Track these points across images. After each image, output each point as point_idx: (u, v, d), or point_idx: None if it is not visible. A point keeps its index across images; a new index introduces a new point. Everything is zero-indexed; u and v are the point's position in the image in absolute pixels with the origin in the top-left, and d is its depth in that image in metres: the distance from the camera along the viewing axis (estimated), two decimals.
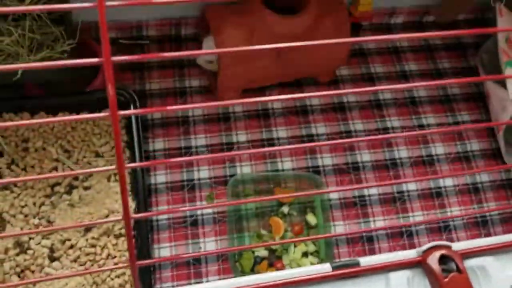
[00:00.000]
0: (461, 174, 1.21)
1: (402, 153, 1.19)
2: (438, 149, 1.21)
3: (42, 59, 0.95)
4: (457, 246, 0.52)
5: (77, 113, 1.06)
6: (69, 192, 0.99)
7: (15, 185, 0.98)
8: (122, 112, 0.39)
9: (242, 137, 1.14)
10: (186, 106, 0.41)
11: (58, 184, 0.99)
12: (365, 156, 1.17)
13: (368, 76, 1.27)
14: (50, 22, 0.97)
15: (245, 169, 1.10)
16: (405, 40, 1.36)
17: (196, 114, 1.15)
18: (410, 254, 0.52)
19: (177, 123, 1.14)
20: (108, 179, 1.01)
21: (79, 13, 1.04)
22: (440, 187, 1.16)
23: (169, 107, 0.40)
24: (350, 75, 1.26)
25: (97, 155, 1.03)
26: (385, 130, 1.21)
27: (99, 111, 1.08)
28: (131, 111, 0.40)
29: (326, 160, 1.15)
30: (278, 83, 1.19)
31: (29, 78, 0.96)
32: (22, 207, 0.95)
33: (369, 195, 1.13)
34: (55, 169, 1.00)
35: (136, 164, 0.42)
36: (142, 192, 0.98)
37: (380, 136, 0.45)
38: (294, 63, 1.10)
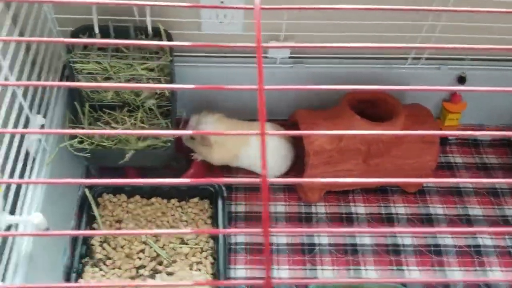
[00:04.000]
0: None
1: (496, 273, 1.10)
2: None
3: (148, 146, 1.05)
4: None
5: (168, 200, 1.12)
6: (152, 276, 1.00)
7: (104, 264, 1.01)
8: (273, 230, 0.38)
9: (324, 239, 1.12)
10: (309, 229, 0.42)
11: (143, 267, 1.02)
12: (456, 273, 1.09)
13: (456, 190, 1.24)
14: (159, 114, 1.08)
15: (326, 274, 1.07)
16: (493, 157, 1.33)
17: (279, 211, 1.16)
18: None
19: (259, 219, 1.15)
20: (191, 267, 1.02)
21: (182, 108, 1.15)
22: None
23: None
24: (437, 187, 1.24)
25: (182, 242, 1.06)
26: (476, 247, 1.14)
27: (188, 200, 1.13)
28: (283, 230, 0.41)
29: (414, 273, 1.08)
30: (363, 188, 1.19)
31: (131, 163, 1.04)
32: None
33: None
34: (142, 251, 1.04)
35: None
36: None
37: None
38: (380, 170, 1.11)
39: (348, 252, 1.11)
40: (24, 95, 0.88)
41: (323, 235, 1.13)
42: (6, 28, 0.84)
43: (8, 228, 0.81)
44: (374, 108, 1.12)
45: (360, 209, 1.18)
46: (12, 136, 0.82)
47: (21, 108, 0.86)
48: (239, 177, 1.22)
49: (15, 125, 0.83)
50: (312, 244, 1.11)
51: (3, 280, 0.79)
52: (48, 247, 0.95)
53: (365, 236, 1.13)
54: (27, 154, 0.89)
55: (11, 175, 0.81)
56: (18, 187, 0.85)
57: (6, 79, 0.78)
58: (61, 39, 1.02)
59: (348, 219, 1.16)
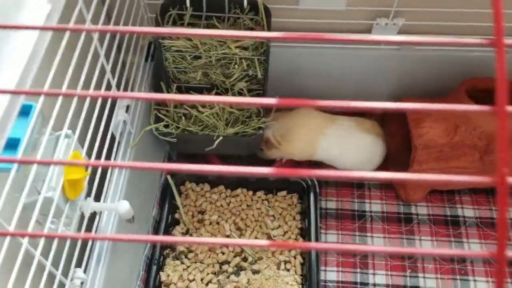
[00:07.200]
0: None
1: None
2: None
3: (236, 133, 0.96)
4: None
5: (254, 192, 1.03)
6: (237, 274, 0.92)
7: (186, 257, 0.95)
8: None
9: (426, 243, 1.00)
10: None
11: (227, 262, 0.94)
12: None
13: None
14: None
15: (428, 283, 0.95)
16: None
17: (374, 210, 1.05)
18: None
19: (352, 217, 1.04)
20: (278, 267, 0.93)
21: (274, 93, 1.05)
22: None
23: None
24: None
25: (269, 237, 0.97)
26: None
27: (275, 193, 1.04)
28: None
29: None
30: (472, 188, 1.05)
31: (217, 151, 0.96)
32: (190, 281, 0.91)
33: None
34: (226, 245, 0.96)
35: None
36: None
37: None
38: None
39: (455, 260, 0.98)
40: (112, 72, 0.81)
41: (425, 239, 1.00)
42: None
43: (93, 215, 0.75)
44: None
45: (468, 211, 1.04)
46: (99, 117, 0.75)
47: (109, 86, 0.79)
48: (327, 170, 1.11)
49: (103, 104, 0.76)
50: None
51: (85, 270, 0.73)
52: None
53: (475, 242, 1.00)
54: (112, 138, 0.82)
55: (98, 158, 0.75)
56: (103, 173, 0.78)
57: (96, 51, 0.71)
58: (155, 29, 0.94)
59: (454, 223, 1.02)
